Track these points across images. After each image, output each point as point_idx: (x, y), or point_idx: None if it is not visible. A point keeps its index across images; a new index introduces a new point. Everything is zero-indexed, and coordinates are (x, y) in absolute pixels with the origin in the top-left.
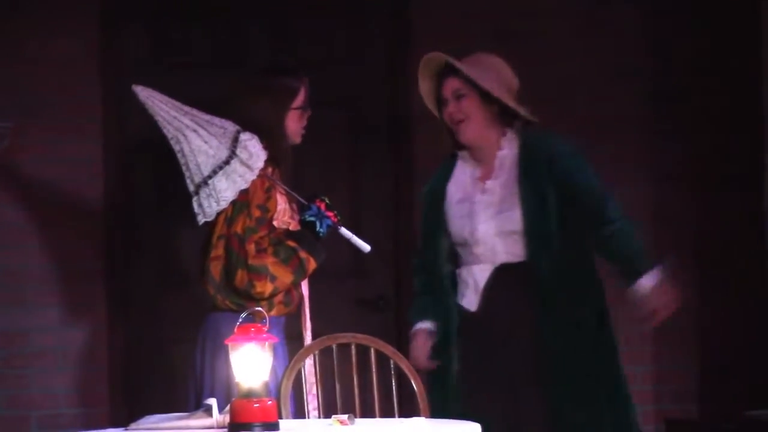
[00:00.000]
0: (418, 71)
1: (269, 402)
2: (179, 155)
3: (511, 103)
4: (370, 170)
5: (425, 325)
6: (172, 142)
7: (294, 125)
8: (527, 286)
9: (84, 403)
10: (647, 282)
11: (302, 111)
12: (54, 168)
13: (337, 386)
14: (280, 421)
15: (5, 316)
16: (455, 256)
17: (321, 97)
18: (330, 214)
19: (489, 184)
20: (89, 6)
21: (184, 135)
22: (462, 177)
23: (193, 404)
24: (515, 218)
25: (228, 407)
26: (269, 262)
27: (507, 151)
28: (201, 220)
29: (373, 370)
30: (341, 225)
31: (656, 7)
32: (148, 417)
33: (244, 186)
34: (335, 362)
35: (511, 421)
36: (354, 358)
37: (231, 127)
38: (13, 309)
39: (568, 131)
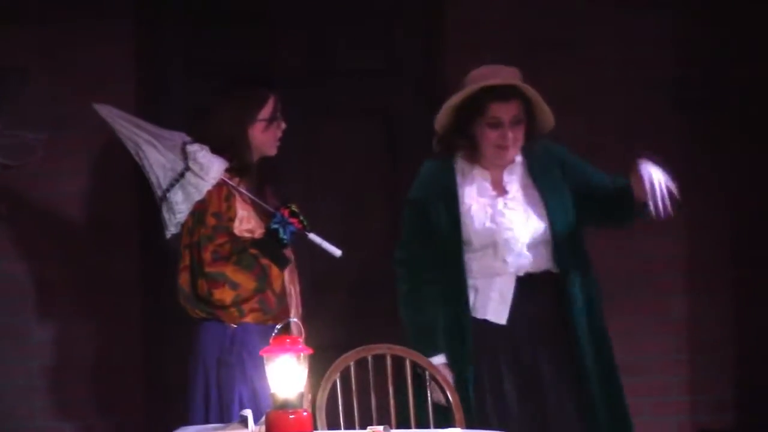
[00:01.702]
0: (471, 81)
1: (304, 413)
2: (144, 170)
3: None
4: (408, 179)
5: (442, 359)
6: (136, 158)
7: (262, 136)
8: (552, 295)
9: (118, 414)
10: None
11: (269, 122)
12: (88, 179)
13: (373, 397)
14: None
15: (40, 326)
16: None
17: (356, 107)
18: (294, 220)
19: (510, 190)
20: (123, 17)
21: (142, 150)
22: (472, 182)
23: (190, 417)
24: (543, 227)
25: (263, 418)
26: (228, 270)
27: (516, 158)
28: (167, 234)
29: (409, 381)
30: (309, 231)
31: (688, 16)
32: (184, 428)
33: (198, 197)
34: (371, 373)
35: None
36: (389, 370)
37: (179, 139)
38: (48, 320)
39: (600, 140)
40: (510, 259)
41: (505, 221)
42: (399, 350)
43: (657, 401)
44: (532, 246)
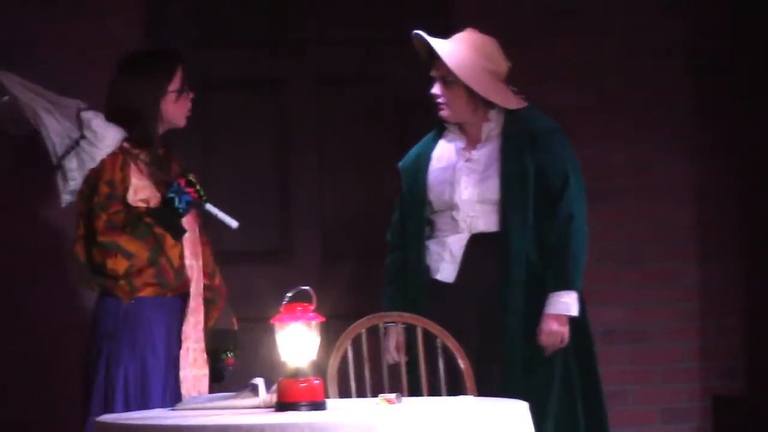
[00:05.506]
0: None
1: (316, 381)
2: (42, 137)
3: (492, 96)
4: (413, 145)
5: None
6: (35, 125)
7: (173, 108)
8: (501, 257)
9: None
10: (557, 304)
11: (179, 94)
12: None
13: (384, 365)
14: (326, 400)
15: None
16: (430, 227)
17: (363, 75)
18: (190, 190)
19: (474, 153)
20: None
21: (40, 117)
22: (446, 146)
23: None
24: (494, 187)
25: (275, 386)
26: (121, 239)
27: (493, 123)
28: (62, 203)
29: (420, 349)
30: (206, 201)
31: None
32: (194, 397)
33: (92, 164)
34: (382, 341)
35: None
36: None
37: (74, 105)
38: None
39: (608, 109)
40: (459, 217)
41: (460, 182)
42: (410, 318)
43: (668, 368)
44: (483, 206)
